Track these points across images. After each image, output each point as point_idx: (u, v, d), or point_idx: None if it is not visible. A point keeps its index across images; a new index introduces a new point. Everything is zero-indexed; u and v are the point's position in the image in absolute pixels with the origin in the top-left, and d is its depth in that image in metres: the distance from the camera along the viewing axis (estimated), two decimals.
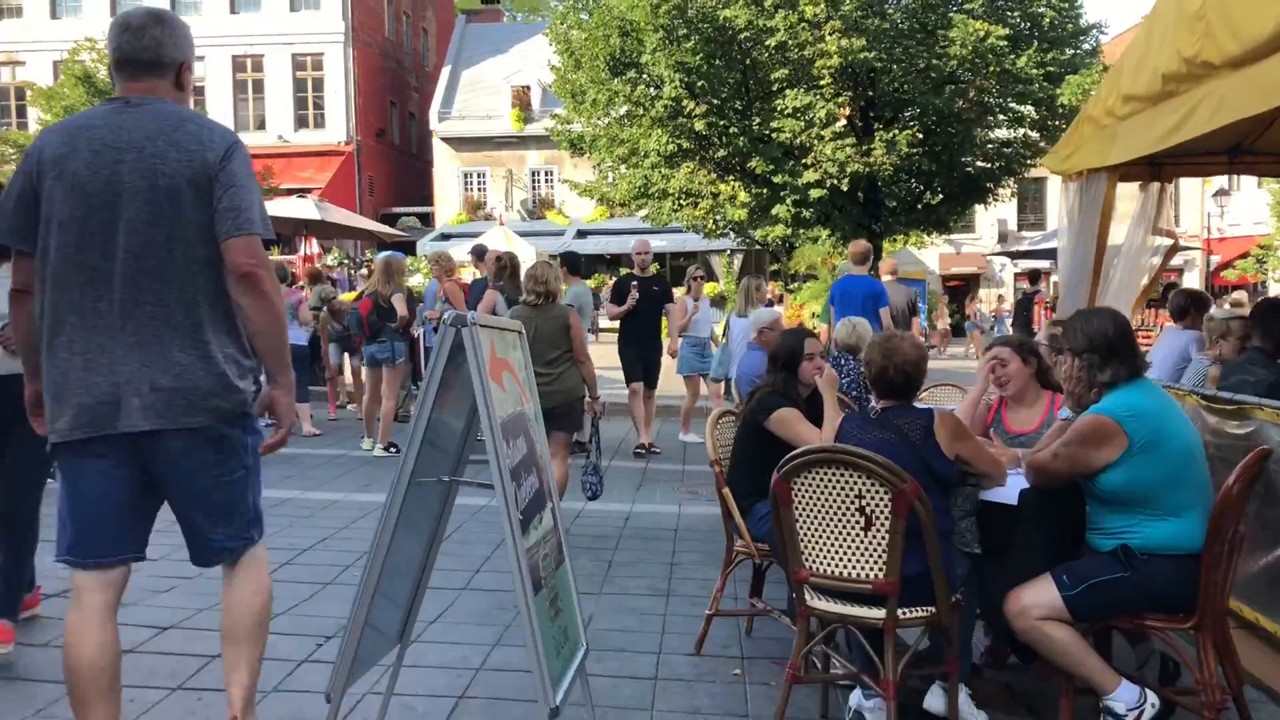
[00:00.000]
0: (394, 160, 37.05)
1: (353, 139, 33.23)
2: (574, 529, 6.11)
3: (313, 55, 33.30)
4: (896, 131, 17.55)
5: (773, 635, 4.23)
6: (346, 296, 12.20)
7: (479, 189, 35.35)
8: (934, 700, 3.35)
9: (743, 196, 18.66)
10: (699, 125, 17.75)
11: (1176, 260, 6.06)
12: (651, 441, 9.18)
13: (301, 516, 6.39)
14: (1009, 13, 17.88)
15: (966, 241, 34.97)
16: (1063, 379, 3.31)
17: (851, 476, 3.03)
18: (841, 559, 3.10)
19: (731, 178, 19.02)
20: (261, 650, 2.81)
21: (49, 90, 27.55)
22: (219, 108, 31.59)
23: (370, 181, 34.47)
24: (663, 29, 17.37)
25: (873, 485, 3.00)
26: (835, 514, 3.08)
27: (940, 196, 19.65)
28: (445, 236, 31.18)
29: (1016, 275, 34.16)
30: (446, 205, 34.94)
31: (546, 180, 35.18)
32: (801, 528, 3.16)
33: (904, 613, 3.05)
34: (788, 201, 18.01)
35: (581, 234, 32.06)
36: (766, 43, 17.26)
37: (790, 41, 16.89)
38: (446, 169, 35.24)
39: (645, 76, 18.58)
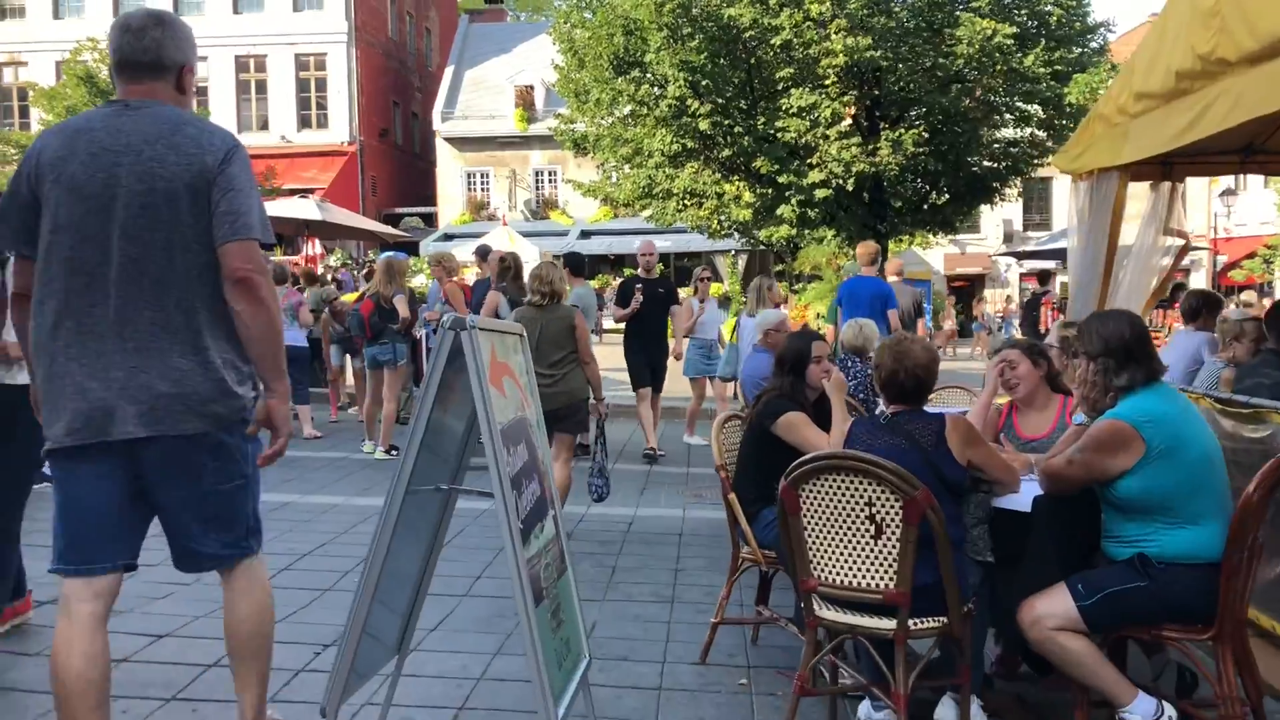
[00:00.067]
0: (397, 160, 37.02)
1: (356, 139, 33.21)
2: (577, 533, 6.04)
3: (316, 55, 33.29)
4: (902, 131, 17.46)
5: (779, 644, 4.15)
6: (348, 298, 12.13)
7: (482, 189, 35.30)
8: (945, 712, 3.27)
9: (747, 197, 18.57)
10: (703, 125, 17.67)
11: (1183, 261, 5.98)
12: (655, 445, 9.11)
13: (301, 521, 6.32)
14: (1016, 11, 17.78)
15: (971, 242, 34.87)
16: (1077, 383, 3.23)
17: (861, 483, 2.96)
18: (851, 568, 3.02)
19: (736, 178, 18.92)
20: (268, 661, 2.83)
21: (51, 90, 27.52)
22: (222, 108, 31.63)
23: (373, 182, 34.45)
24: (667, 28, 17.30)
25: (883, 492, 2.93)
26: (845, 522, 3.01)
27: (946, 196, 19.54)
28: (448, 237, 31.12)
29: (1022, 276, 34.04)
30: (450, 206, 34.89)
31: (550, 180, 35.12)
32: (810, 536, 3.08)
33: (915, 623, 2.98)
34: (793, 201, 17.92)
35: (585, 234, 31.99)
36: (771, 41, 17.17)
37: (795, 40, 16.80)
38: (450, 169, 35.19)
39: (649, 76, 18.51)
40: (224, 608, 2.79)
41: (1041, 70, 17.05)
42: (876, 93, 18.36)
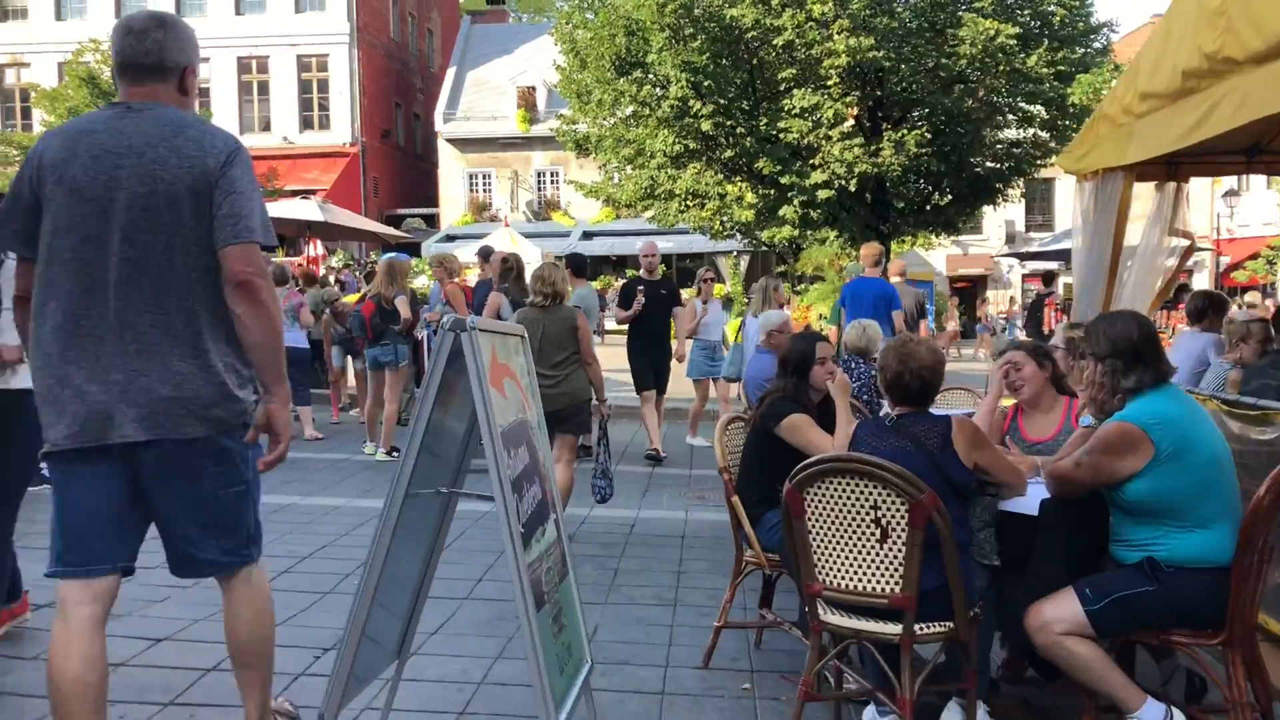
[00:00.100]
0: (399, 161, 37.02)
1: (358, 140, 33.21)
2: (579, 535, 6.01)
3: (318, 56, 33.30)
4: (905, 131, 17.44)
5: (783, 648, 4.12)
6: (349, 299, 12.11)
7: (484, 190, 35.29)
8: (951, 717, 3.24)
9: (750, 197, 18.55)
10: (705, 125, 17.65)
11: (1188, 261, 5.95)
12: (659, 447, 9.07)
13: (301, 523, 6.29)
14: (1019, 11, 17.78)
15: (974, 243, 34.81)
16: (1084, 385, 3.20)
17: (866, 486, 2.92)
18: (856, 572, 2.99)
19: (738, 178, 18.91)
20: (270, 666, 2.83)
21: (53, 92, 27.53)
22: (224, 109, 31.64)
23: (375, 183, 34.44)
24: (669, 28, 17.29)
25: (889, 495, 2.89)
26: (849, 525, 2.98)
27: (949, 197, 19.53)
28: (450, 238, 31.13)
29: (1025, 276, 33.99)
30: (451, 207, 34.89)
31: (552, 181, 35.12)
32: (814, 539, 3.05)
33: (921, 628, 2.94)
34: (795, 202, 17.91)
35: (587, 235, 31.99)
36: (774, 42, 17.15)
37: (798, 40, 16.79)
38: (451, 170, 35.19)
39: (651, 76, 18.50)
40: (224, 615, 2.77)
41: (1044, 70, 17.03)
42: (879, 93, 18.34)
